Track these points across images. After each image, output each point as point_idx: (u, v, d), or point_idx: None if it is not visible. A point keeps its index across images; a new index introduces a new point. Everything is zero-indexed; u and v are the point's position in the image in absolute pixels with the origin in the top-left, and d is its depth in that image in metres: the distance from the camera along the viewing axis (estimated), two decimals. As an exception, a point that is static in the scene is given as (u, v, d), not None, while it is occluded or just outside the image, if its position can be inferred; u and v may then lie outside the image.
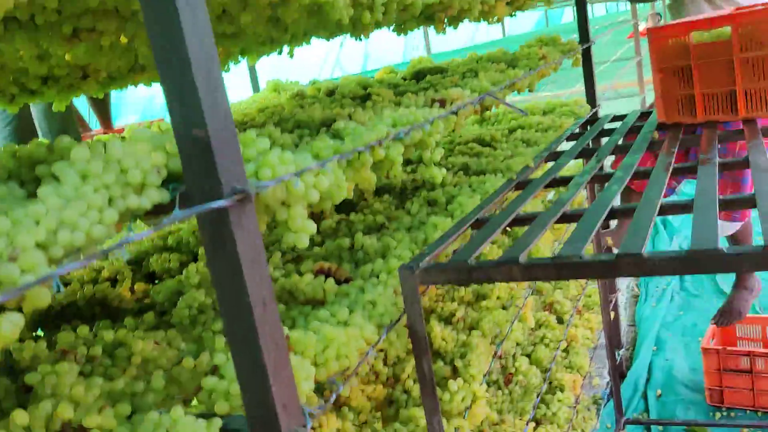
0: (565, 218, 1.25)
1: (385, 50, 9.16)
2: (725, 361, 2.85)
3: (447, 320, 2.03)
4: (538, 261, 1.01)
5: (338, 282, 1.38)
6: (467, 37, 10.81)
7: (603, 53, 5.97)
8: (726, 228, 2.73)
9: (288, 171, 0.89)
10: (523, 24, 11.52)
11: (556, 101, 3.04)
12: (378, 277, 1.32)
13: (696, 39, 1.83)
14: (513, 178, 1.66)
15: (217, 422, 0.83)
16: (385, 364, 1.79)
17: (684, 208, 1.12)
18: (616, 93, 5.29)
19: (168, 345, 1.17)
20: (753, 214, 3.33)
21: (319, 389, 1.15)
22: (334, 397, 0.93)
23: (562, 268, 0.98)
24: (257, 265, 0.77)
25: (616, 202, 1.28)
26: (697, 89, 1.81)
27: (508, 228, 1.57)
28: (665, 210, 1.14)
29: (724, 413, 2.89)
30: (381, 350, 1.24)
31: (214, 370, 0.92)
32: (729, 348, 2.87)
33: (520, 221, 1.30)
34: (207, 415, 0.88)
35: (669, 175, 1.35)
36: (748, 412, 2.85)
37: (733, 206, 1.12)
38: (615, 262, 0.93)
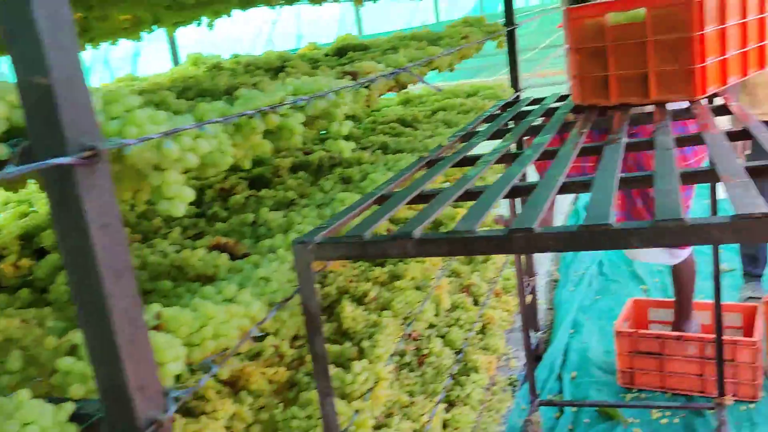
0: (468, 195, 1.21)
1: (318, 31, 9.02)
2: (636, 343, 2.91)
3: (360, 300, 1.99)
4: (432, 236, 0.96)
5: (235, 257, 1.30)
6: (403, 20, 10.75)
7: (532, 41, 6.03)
8: (664, 256, 2.77)
9: (159, 131, 0.81)
10: (459, 10, 11.56)
11: (480, 84, 3.02)
12: (276, 252, 1.25)
13: (612, 20, 1.82)
14: (424, 156, 1.62)
15: (69, 407, 0.75)
16: (291, 346, 1.74)
17: (585, 186, 1.10)
18: (543, 80, 5.35)
19: (38, 324, 1.07)
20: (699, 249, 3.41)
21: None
22: (205, 380, 0.86)
23: (455, 244, 0.94)
24: (110, 232, 0.69)
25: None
26: (611, 71, 1.81)
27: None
28: (566, 188, 1.12)
29: (635, 394, 2.96)
30: (272, 332, 1.18)
31: (73, 350, 0.84)
32: (640, 331, 2.93)
33: (423, 198, 1.26)
34: (63, 400, 0.80)
35: (576, 154, 1.33)
36: (657, 393, 2.93)
37: (633, 184, 1.11)
38: (507, 238, 0.89)
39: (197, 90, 1.63)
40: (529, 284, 3.28)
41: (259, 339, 1.19)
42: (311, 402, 1.36)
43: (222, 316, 0.92)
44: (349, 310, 1.81)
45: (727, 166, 1.02)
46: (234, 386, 1.50)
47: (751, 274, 3.50)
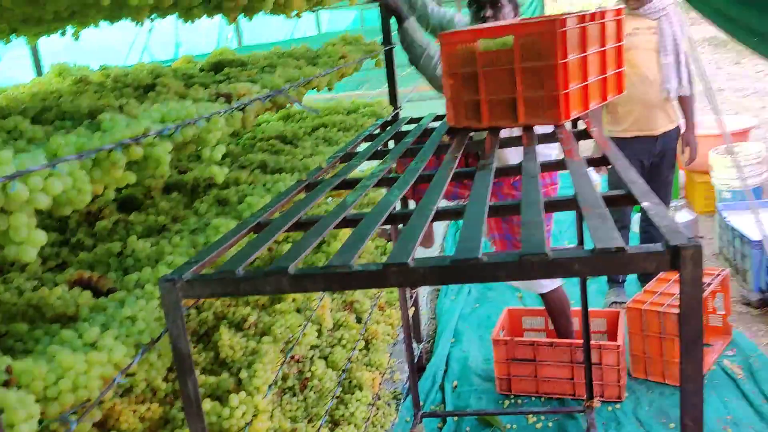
0: (347, 223, 1.21)
1: (198, 39, 8.75)
2: (513, 351, 3.04)
3: (239, 326, 1.93)
4: (308, 271, 0.95)
5: (99, 294, 1.23)
6: (285, 31, 10.63)
7: (412, 55, 6.14)
8: (538, 284, 2.94)
9: (3, 173, 0.75)
10: (341, 22, 11.60)
11: (361, 101, 3.04)
12: (143, 288, 1.19)
13: (483, 47, 1.88)
14: (303, 179, 1.60)
15: None
16: (165, 379, 1.66)
17: (457, 214, 1.12)
18: (422, 95, 5.48)
19: None
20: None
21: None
22: (61, 438, 0.80)
23: (331, 279, 0.93)
24: (-56, 290, 0.63)
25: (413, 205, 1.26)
26: (482, 95, 1.87)
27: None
28: (440, 215, 1.14)
29: (512, 401, 3.07)
30: (131, 374, 1.11)
31: None
32: (516, 338, 3.05)
33: (301, 225, 1.24)
34: None
35: (449, 179, 1.36)
36: (533, 398, 3.06)
37: (501, 212, 1.15)
38: (382, 272, 0.90)
39: (57, 111, 1.52)
40: (412, 296, 3.33)
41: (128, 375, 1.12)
42: (186, 440, 1.30)
43: (81, 365, 0.86)
44: (226, 337, 1.75)
45: (587, 196, 1.08)
46: (103, 426, 1.41)
47: (614, 280, 3.75)
